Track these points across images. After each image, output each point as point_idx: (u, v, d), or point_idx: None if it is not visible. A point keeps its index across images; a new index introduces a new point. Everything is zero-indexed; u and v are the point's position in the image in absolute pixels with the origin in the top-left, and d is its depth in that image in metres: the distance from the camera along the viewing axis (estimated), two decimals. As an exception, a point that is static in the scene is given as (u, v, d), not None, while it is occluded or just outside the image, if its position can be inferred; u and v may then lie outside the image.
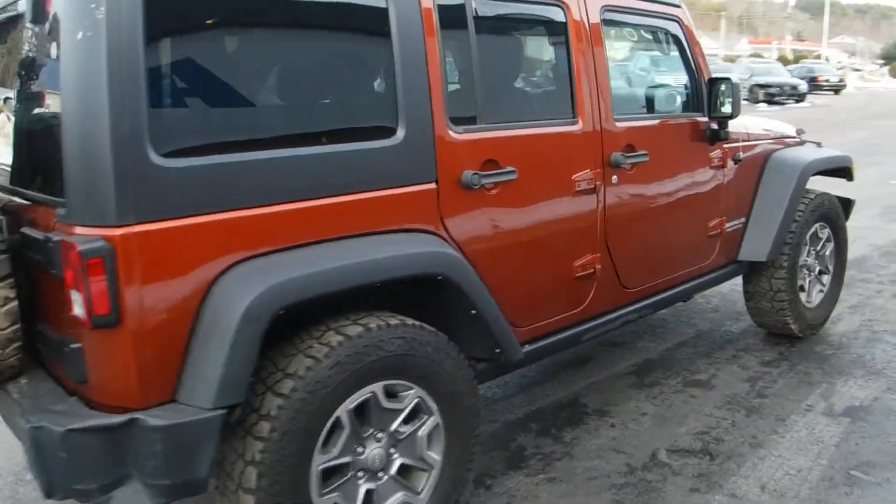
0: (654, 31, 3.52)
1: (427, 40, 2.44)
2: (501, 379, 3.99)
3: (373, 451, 2.31)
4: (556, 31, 2.96)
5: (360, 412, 2.27)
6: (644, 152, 3.22)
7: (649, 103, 3.54)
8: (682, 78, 3.55)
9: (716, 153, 3.69)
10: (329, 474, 2.24)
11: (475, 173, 2.54)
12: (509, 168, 2.65)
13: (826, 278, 4.53)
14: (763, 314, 4.28)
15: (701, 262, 3.75)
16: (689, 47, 3.56)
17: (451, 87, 2.59)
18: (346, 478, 2.27)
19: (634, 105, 3.55)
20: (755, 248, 4.01)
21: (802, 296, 4.33)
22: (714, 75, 3.56)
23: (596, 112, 3.00)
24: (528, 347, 2.87)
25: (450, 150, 2.51)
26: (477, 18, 2.60)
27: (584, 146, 2.98)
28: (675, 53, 3.56)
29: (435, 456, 2.47)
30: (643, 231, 3.33)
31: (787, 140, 4.38)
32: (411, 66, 2.39)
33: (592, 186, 3.00)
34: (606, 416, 3.54)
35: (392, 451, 2.37)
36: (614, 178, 3.10)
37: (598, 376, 4.02)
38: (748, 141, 3.96)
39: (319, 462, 2.18)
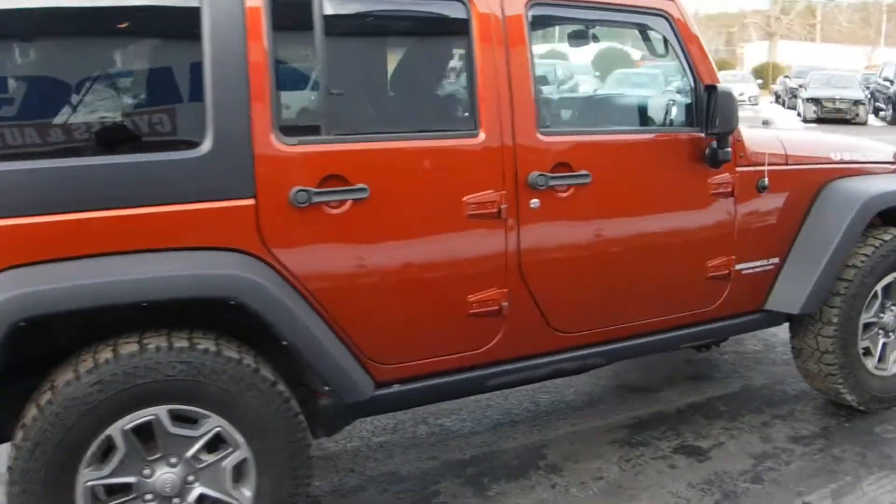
0: (628, 28, 2.92)
1: (250, 43, 2.18)
2: (482, 411, 3.62)
3: (163, 475, 2.16)
4: (453, 29, 2.52)
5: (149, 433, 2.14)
6: (583, 173, 2.67)
7: (611, 115, 2.95)
8: (670, 85, 2.91)
9: (721, 178, 2.99)
10: (113, 492, 2.13)
11: (303, 190, 2.24)
12: (359, 186, 2.32)
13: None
14: (812, 377, 3.45)
15: (696, 308, 3.07)
16: (681, 48, 2.90)
17: (289, 95, 2.31)
18: (128, 498, 2.15)
19: (584, 116, 2.97)
20: (787, 296, 3.22)
21: (869, 361, 3.42)
22: (712, 83, 2.86)
23: (507, 124, 2.52)
24: (396, 387, 2.52)
25: (275, 164, 2.23)
26: (328, 18, 2.27)
27: (486, 163, 2.51)
28: (664, 55, 2.93)
29: (245, 492, 2.25)
30: (586, 267, 2.77)
31: (869, 167, 3.47)
32: (225, 71, 2.15)
33: (495, 211, 2.53)
34: (555, 474, 3.04)
35: (190, 478, 2.20)
36: (534, 202, 2.59)
37: (586, 424, 3.49)
38: (783, 164, 3.18)
39: (88, 478, 2.08)
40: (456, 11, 2.47)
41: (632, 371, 4.07)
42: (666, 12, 2.87)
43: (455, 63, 2.54)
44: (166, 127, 2.24)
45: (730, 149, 2.90)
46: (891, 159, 3.62)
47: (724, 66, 34.05)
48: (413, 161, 2.42)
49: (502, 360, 2.69)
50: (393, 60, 2.74)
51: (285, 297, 2.24)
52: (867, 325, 3.41)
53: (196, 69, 2.17)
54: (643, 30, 2.88)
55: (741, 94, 23.03)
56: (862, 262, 3.27)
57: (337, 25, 2.34)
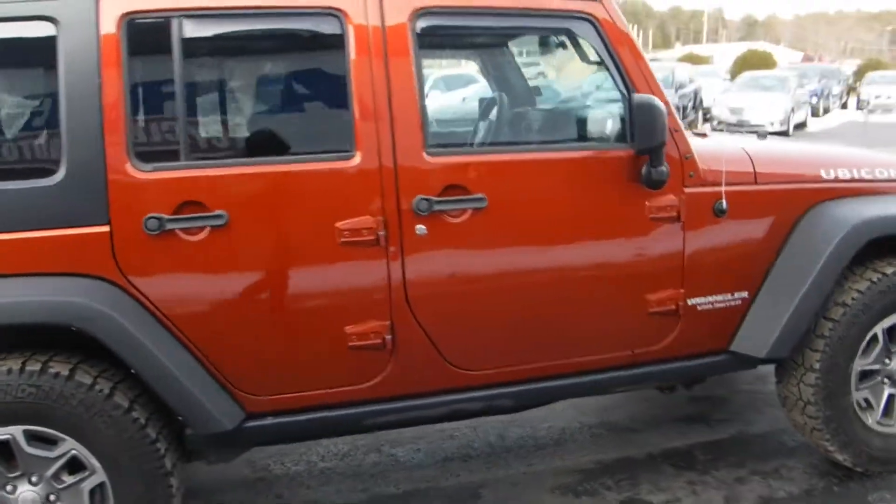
0: (546, 35, 2.59)
1: (104, 71, 2.14)
2: (441, 442, 3.40)
3: (24, 493, 2.23)
4: (327, 44, 2.34)
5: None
6: (479, 196, 2.41)
7: (523, 131, 2.64)
8: (597, 96, 2.56)
9: (662, 201, 2.61)
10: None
11: (154, 217, 2.16)
12: (217, 212, 2.21)
13: None
14: (800, 429, 2.96)
15: (634, 347, 2.70)
16: (609, 54, 2.53)
17: (147, 120, 2.23)
18: None
19: (489, 134, 2.67)
20: (753, 337, 2.77)
21: (869, 415, 2.89)
22: (649, 92, 2.47)
23: (387, 144, 2.32)
24: (269, 420, 2.38)
25: (129, 191, 2.17)
26: (187, 41, 2.18)
27: (362, 187, 2.32)
28: (591, 64, 2.59)
29: None
30: (486, 300, 2.50)
31: (879, 186, 2.94)
32: (79, 100, 2.13)
33: (373, 238, 2.33)
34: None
35: (52, 497, 2.24)
36: (420, 228, 2.36)
37: (542, 465, 3.19)
38: (750, 184, 2.74)
39: None
40: (328, 26, 2.31)
41: (622, 407, 3.70)
42: (590, 14, 2.53)
43: (329, 81, 2.37)
44: (25, 155, 2.27)
45: (665, 167, 2.53)
46: (908, 175, 3.06)
47: (878, 66, 31.14)
48: (277, 185, 2.28)
49: (393, 396, 2.49)
50: (261, 82, 2.61)
51: (133, 323, 2.18)
52: (867, 373, 2.89)
53: (52, 97, 2.17)
54: (565, 36, 2.56)
55: (877, 97, 20.90)
56: (854, 299, 2.77)
57: (197, 48, 2.25)
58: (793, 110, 16.57)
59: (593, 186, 2.54)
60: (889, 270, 2.80)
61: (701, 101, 17.83)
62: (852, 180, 2.92)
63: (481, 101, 2.71)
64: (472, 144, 2.55)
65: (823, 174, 2.88)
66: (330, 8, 2.30)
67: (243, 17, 2.27)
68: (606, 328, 2.67)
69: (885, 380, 2.90)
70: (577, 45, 2.59)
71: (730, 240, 2.74)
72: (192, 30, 2.19)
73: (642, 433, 3.44)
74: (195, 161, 2.25)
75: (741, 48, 40.92)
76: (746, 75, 19.02)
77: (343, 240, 2.31)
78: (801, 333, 2.73)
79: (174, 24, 2.18)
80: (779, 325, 2.71)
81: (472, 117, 2.66)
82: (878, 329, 2.83)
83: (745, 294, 2.79)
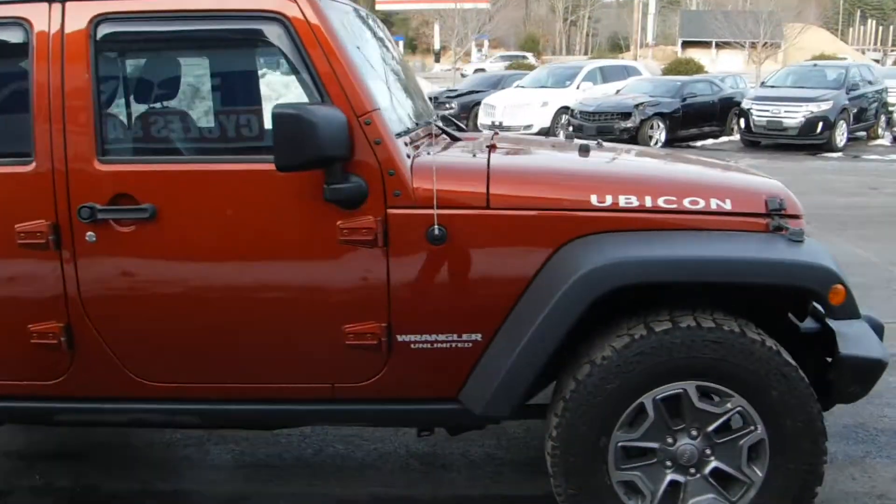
0: (239, 38, 2.25)
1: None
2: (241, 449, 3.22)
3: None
4: (14, 53, 2.28)
5: None
6: (143, 207, 2.21)
7: (201, 140, 2.33)
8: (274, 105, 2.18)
9: (356, 222, 2.20)
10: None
11: None
12: None
13: (742, 491, 2.25)
14: (564, 504, 2.39)
15: (334, 381, 2.32)
16: (302, 58, 2.17)
17: None
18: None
19: (173, 141, 2.38)
20: (477, 389, 2.27)
21: (639, 502, 2.25)
22: (281, 105, 2.05)
23: (60, 150, 2.22)
24: None
25: None
26: None
27: (38, 191, 2.25)
28: (284, 68, 2.22)
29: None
30: (158, 313, 2.30)
31: (694, 219, 2.26)
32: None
33: (45, 241, 2.24)
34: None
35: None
36: (90, 235, 2.24)
37: (328, 488, 2.88)
38: (480, 208, 2.22)
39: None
40: (15, 35, 2.25)
41: (468, 440, 3.23)
42: (280, 14, 2.18)
43: (17, 88, 2.29)
44: None
45: (347, 185, 2.14)
46: (753, 209, 2.32)
47: None
48: None
49: (79, 396, 2.40)
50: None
51: None
52: (637, 451, 2.26)
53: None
54: (259, 38, 2.23)
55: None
56: (605, 357, 2.16)
57: None
58: None
59: (270, 201, 2.22)
60: (661, 328, 2.16)
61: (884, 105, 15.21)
62: (639, 210, 2.27)
63: (171, 108, 2.47)
64: (150, 152, 2.35)
65: (594, 200, 2.27)
66: (16, 17, 2.25)
67: None
68: (296, 357, 2.33)
69: (668, 463, 2.26)
70: (270, 48, 2.25)
71: (453, 273, 2.25)
72: None
73: (455, 472, 3.00)
74: None
75: None
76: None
77: (20, 241, 2.26)
78: (521, 391, 2.20)
79: None
80: (497, 378, 2.21)
81: (163, 123, 2.41)
82: (648, 399, 2.20)
83: (476, 336, 2.29)
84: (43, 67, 2.23)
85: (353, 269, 2.25)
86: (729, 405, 2.21)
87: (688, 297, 2.28)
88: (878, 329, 2.53)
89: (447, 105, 16.01)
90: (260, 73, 2.39)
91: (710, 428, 2.23)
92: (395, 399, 2.36)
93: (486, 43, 50.09)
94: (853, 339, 2.28)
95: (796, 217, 2.38)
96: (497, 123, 15.24)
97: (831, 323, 2.26)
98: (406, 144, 2.32)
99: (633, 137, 13.82)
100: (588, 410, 2.18)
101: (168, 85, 2.37)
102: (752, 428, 2.22)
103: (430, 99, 13.63)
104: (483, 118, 15.72)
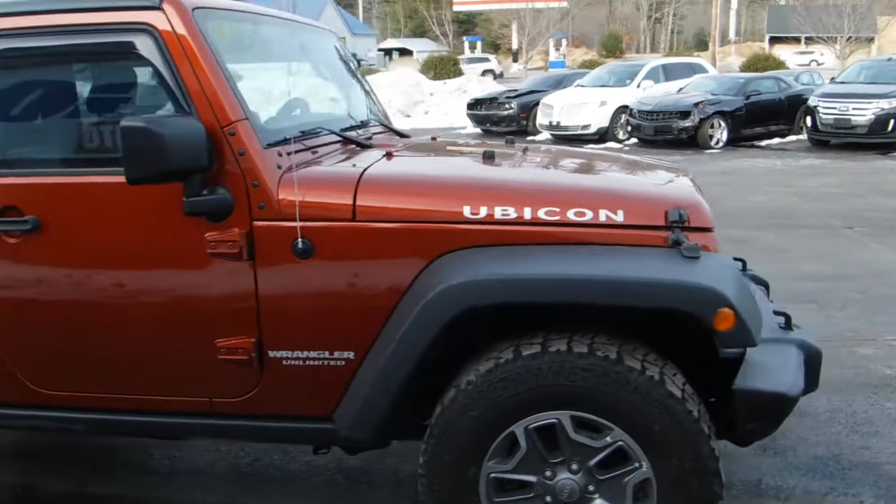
0: (113, 50, 2.18)
1: None
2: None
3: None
4: None
5: None
6: (27, 218, 2.20)
7: (82, 151, 2.28)
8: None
9: (222, 235, 2.10)
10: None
11: None
12: None
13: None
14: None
15: (212, 395, 2.24)
16: (172, 72, 2.10)
17: None
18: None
19: (56, 152, 2.34)
20: (347, 409, 2.13)
21: (512, 539, 2.07)
22: (129, 118, 1.96)
23: None
24: None
25: None
26: None
27: None
28: (154, 79, 2.14)
29: None
30: (47, 323, 2.31)
31: (578, 232, 2.05)
32: None
33: None
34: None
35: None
36: None
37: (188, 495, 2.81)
38: (345, 220, 2.08)
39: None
40: None
41: (399, 455, 3.10)
42: (149, 25, 2.11)
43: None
44: None
45: (198, 197, 2.05)
46: (649, 221, 2.08)
47: None
48: None
49: None
50: None
51: None
52: (513, 484, 2.07)
53: None
54: (132, 50, 2.16)
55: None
56: (469, 382, 1.99)
57: None
58: None
59: (142, 213, 2.16)
60: (529, 352, 1.97)
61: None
62: (517, 222, 2.08)
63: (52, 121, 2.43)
64: (33, 164, 2.32)
65: (468, 212, 2.09)
66: None
67: None
68: (174, 370, 2.26)
69: (548, 498, 2.05)
70: (142, 60, 2.18)
71: (322, 288, 2.13)
72: None
73: (378, 489, 2.87)
74: None
75: None
76: None
77: None
78: (381, 415, 2.05)
79: None
80: (358, 401, 2.07)
81: (47, 133, 2.39)
82: (519, 428, 2.01)
83: (349, 355, 2.15)
84: None
85: (222, 283, 2.16)
86: (608, 439, 1.99)
87: (584, 319, 2.08)
88: (814, 356, 2.25)
89: (506, 106, 15.80)
90: (134, 85, 2.33)
91: (592, 462, 2.02)
92: (271, 416, 2.26)
93: (563, 42, 49.40)
94: (760, 368, 2.02)
95: (704, 230, 2.13)
96: (555, 123, 14.95)
97: (751, 350, 2.01)
98: (287, 154, 2.21)
99: (693, 137, 13.26)
100: (453, 438, 2.02)
101: (49, 98, 2.35)
102: (637, 465, 2.00)
103: (489, 100, 13.46)
104: (541, 118, 15.43)
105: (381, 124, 3.05)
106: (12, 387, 2.36)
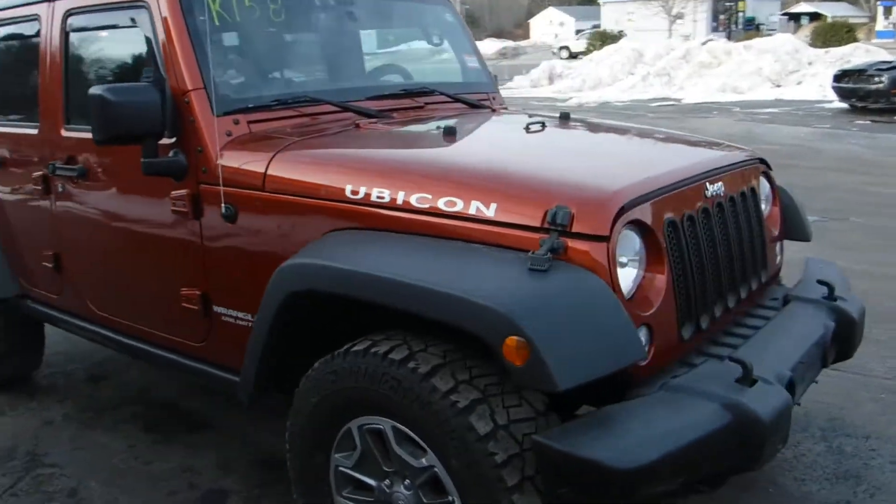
0: (119, 26, 2.46)
1: None
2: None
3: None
4: None
5: None
6: (79, 167, 2.68)
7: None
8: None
9: (178, 193, 2.27)
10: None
11: None
12: None
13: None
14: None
15: (183, 336, 2.45)
16: (155, 43, 2.31)
17: None
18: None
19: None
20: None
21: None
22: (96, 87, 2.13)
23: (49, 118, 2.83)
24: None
25: None
26: None
27: (39, 151, 2.88)
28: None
29: None
30: (90, 250, 2.80)
31: (451, 225, 1.76)
32: None
33: (41, 187, 2.89)
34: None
35: None
36: (59, 186, 2.81)
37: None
38: (258, 189, 2.07)
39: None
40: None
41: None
42: (145, 2, 2.34)
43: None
44: None
45: (153, 159, 2.22)
46: (523, 220, 1.69)
47: None
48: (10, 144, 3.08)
49: (63, 308, 3.05)
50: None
51: None
52: (357, 484, 1.90)
53: None
54: (135, 26, 2.40)
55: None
56: (312, 370, 1.87)
57: None
58: None
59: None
60: (357, 348, 1.78)
61: None
62: (390, 206, 1.86)
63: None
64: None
65: (349, 191, 1.92)
66: None
67: None
68: (157, 307, 2.55)
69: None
70: (141, 32, 2.41)
71: (242, 251, 2.20)
72: None
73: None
74: None
75: None
76: None
77: (36, 187, 2.94)
78: (252, 381, 2.08)
79: None
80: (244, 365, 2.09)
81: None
82: (354, 426, 1.84)
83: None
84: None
85: (182, 237, 2.36)
86: (424, 461, 1.71)
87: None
88: (847, 325, 2.18)
89: (875, 79, 12.98)
90: (135, 56, 2.57)
91: (419, 482, 1.76)
92: (221, 366, 2.41)
93: None
94: (602, 421, 1.54)
95: (594, 238, 1.65)
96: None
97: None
98: (243, 123, 2.27)
99: None
100: (301, 422, 1.95)
101: (95, 69, 2.79)
102: (449, 499, 1.68)
103: (858, 72, 11.39)
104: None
105: (446, 94, 2.87)
106: (75, 301, 2.93)
